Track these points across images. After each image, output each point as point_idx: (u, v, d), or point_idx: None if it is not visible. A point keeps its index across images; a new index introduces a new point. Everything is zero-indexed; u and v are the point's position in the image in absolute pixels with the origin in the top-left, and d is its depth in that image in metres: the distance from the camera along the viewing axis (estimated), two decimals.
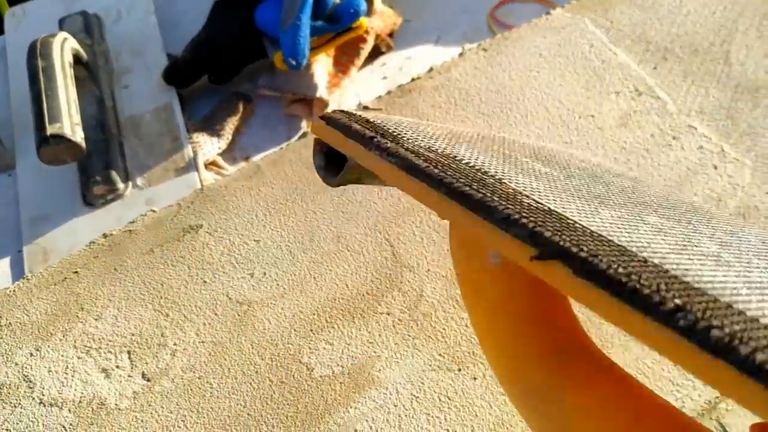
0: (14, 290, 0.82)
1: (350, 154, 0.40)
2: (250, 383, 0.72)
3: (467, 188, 0.28)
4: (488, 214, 0.26)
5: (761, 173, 0.81)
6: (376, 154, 0.36)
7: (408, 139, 0.38)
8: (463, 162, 0.33)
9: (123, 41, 1.15)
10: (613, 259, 0.23)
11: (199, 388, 0.72)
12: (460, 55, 0.97)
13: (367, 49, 1.08)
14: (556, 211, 0.27)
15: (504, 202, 0.27)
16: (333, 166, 0.42)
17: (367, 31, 1.06)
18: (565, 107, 0.88)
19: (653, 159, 0.83)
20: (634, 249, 0.24)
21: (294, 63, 0.97)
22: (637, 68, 0.92)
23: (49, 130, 0.87)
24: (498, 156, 0.39)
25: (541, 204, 0.28)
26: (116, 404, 0.72)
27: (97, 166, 0.98)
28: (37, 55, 0.94)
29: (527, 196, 0.28)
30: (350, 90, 1.06)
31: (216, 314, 0.77)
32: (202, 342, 0.75)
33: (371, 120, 0.41)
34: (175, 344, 0.75)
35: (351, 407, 0.70)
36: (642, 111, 0.87)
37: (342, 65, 1.08)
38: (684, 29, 0.95)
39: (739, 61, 0.91)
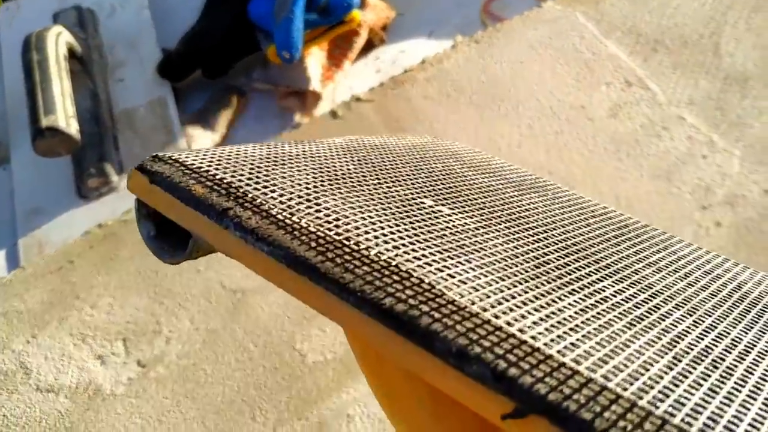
0: (10, 279, 0.83)
1: (196, 231, 0.28)
2: (244, 369, 0.73)
3: (388, 300, 0.21)
4: (427, 342, 0.20)
5: (749, 163, 0.82)
6: (238, 237, 0.25)
7: (276, 196, 0.27)
8: (362, 240, 0.24)
9: (117, 35, 1.15)
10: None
11: (194, 375, 0.73)
12: (453, 47, 0.98)
13: (360, 42, 1.09)
14: (521, 338, 0.21)
15: (440, 317, 0.20)
16: (170, 235, 0.30)
17: (360, 25, 1.07)
18: (556, 98, 0.89)
19: (643, 149, 0.84)
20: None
21: (287, 56, 0.98)
22: (627, 60, 0.93)
23: (44, 122, 0.87)
24: (396, 206, 0.31)
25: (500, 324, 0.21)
26: (112, 390, 0.73)
27: (92, 159, 0.98)
28: (31, 48, 0.95)
29: (463, 306, 0.22)
30: (343, 83, 1.07)
31: (210, 302, 0.78)
32: (197, 329, 0.76)
33: (216, 173, 0.29)
34: (169, 331, 0.76)
35: (343, 392, 0.71)
36: (632, 102, 0.88)
37: (335, 58, 1.09)
38: (674, 21, 0.96)
39: (728, 52, 0.92)
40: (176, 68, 1.07)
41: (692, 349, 0.26)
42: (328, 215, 0.26)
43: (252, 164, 0.31)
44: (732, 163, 0.82)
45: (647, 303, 0.29)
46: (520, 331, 0.22)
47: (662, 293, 0.31)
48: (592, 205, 0.43)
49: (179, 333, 0.76)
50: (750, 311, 0.32)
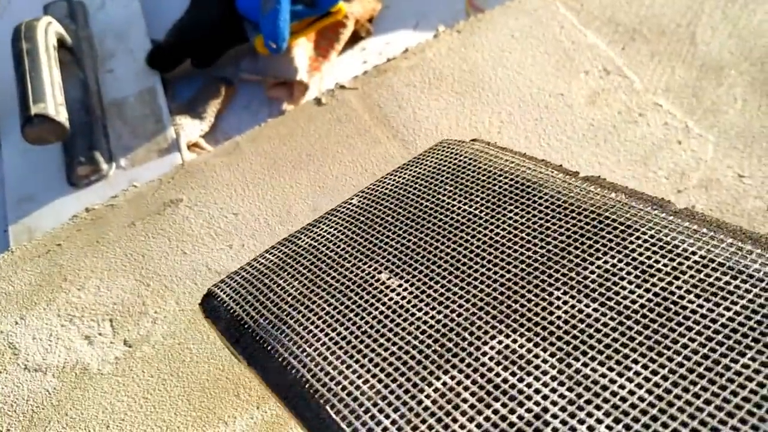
0: None
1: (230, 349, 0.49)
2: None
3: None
4: None
5: (723, 148, 0.84)
6: (243, 359, 0.45)
7: (265, 326, 0.46)
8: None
9: (107, 26, 1.17)
10: None
11: (179, 354, 0.75)
12: (435, 36, 1.00)
13: (346, 34, 1.10)
14: None
15: None
16: None
17: (346, 16, 1.08)
18: (536, 86, 0.91)
19: (620, 135, 0.86)
20: None
21: (274, 47, 1.00)
22: (606, 49, 0.95)
23: (34, 109, 0.89)
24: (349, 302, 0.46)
25: None
26: (99, 369, 0.74)
27: (81, 148, 1.00)
28: (21, 37, 0.97)
29: None
30: (330, 73, 1.09)
31: (196, 284, 0.79)
32: (182, 310, 0.78)
33: (236, 313, 0.49)
34: (155, 312, 0.78)
35: None
36: (610, 89, 0.90)
37: (322, 50, 1.11)
38: (652, 11, 0.98)
39: (704, 41, 0.94)
40: (165, 59, 1.09)
41: None
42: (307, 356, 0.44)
43: (259, 285, 0.50)
44: (707, 149, 0.84)
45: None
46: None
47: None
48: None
49: (165, 314, 0.78)
50: None
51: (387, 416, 0.38)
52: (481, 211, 0.47)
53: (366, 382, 0.40)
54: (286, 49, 1.03)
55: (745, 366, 0.33)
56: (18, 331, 0.78)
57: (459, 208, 0.48)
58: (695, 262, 0.39)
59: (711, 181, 0.81)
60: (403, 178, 0.55)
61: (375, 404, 0.39)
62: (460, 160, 0.54)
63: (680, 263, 0.39)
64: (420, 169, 0.55)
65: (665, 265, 0.39)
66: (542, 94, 0.90)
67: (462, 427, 0.36)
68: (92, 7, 1.20)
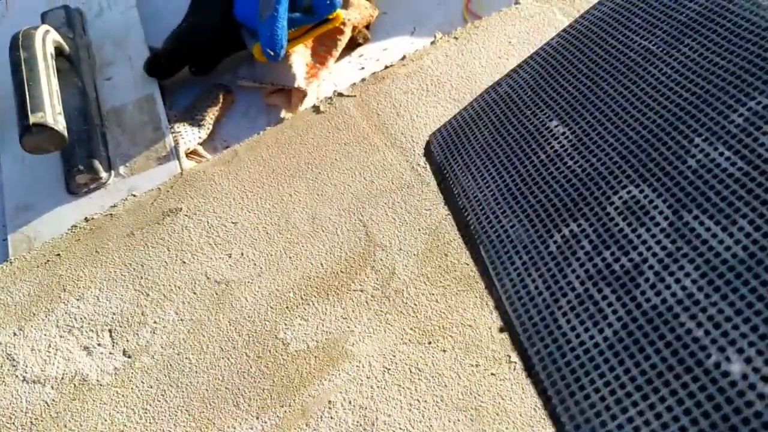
0: None
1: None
2: (228, 358, 0.75)
3: None
4: None
5: None
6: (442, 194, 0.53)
7: (457, 171, 0.53)
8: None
9: (105, 34, 1.17)
10: None
11: (179, 364, 0.75)
12: (432, 43, 1.00)
13: (344, 40, 1.10)
14: None
15: None
16: None
17: (343, 23, 1.08)
18: None
19: None
20: None
21: (272, 54, 1.00)
22: None
23: (32, 119, 0.89)
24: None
25: None
26: (98, 380, 0.74)
27: (80, 156, 1.00)
28: (19, 46, 0.97)
29: None
30: (328, 80, 1.09)
31: (195, 293, 0.79)
32: (181, 320, 0.78)
33: (440, 161, 0.55)
34: (155, 322, 0.78)
35: (325, 380, 0.73)
36: None
37: (320, 56, 1.11)
38: None
39: None
40: (163, 66, 1.09)
41: None
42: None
43: (462, 132, 0.55)
44: None
45: None
46: None
47: None
48: None
49: (164, 324, 0.78)
50: None
51: (520, 258, 0.43)
52: (658, 47, 0.49)
53: (512, 226, 0.45)
54: (284, 57, 1.03)
55: None
56: (16, 342, 0.78)
57: (639, 44, 0.50)
58: None
59: None
60: (600, 11, 0.56)
61: (514, 247, 0.44)
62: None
63: None
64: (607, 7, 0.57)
65: None
66: None
67: (573, 271, 0.40)
68: (90, 14, 1.20)
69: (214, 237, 0.84)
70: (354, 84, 0.98)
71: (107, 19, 1.19)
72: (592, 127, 0.47)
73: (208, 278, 0.80)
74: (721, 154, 0.39)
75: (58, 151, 0.97)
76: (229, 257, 0.82)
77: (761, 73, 0.41)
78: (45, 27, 1.02)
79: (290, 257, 0.81)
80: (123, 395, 0.73)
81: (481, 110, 0.57)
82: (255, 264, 0.81)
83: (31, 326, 0.79)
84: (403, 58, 0.99)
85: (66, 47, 1.06)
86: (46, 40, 1.00)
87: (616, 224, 0.40)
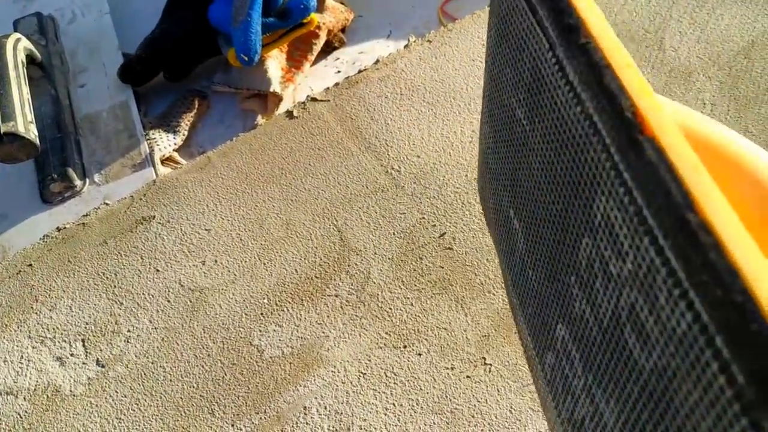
0: None
1: None
2: (203, 366, 0.74)
3: None
4: None
5: None
6: None
7: None
8: None
9: (78, 41, 1.16)
10: None
11: (153, 373, 0.74)
12: (406, 47, 1.00)
13: (319, 44, 1.10)
14: None
15: None
16: None
17: (318, 27, 1.08)
18: None
19: None
20: None
21: (246, 59, 0.99)
22: None
23: (3, 128, 0.88)
24: None
25: None
26: (71, 391, 0.74)
27: (54, 164, 0.99)
28: None
29: None
30: (304, 84, 1.09)
31: (169, 301, 0.79)
32: (156, 328, 0.77)
33: None
34: (128, 331, 0.77)
35: (300, 386, 0.73)
36: None
37: (295, 60, 1.11)
38: (621, 18, 0.99)
39: (672, 47, 0.95)
40: (138, 72, 1.08)
41: None
42: None
43: None
44: None
45: None
46: None
47: None
48: None
49: (138, 332, 0.77)
50: None
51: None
52: (527, 121, 0.42)
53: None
54: (259, 61, 1.03)
55: None
56: None
57: (517, 115, 0.42)
58: None
59: None
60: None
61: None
62: None
63: None
64: (488, 48, 0.50)
65: None
66: None
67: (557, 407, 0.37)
68: (63, 21, 1.19)
69: (188, 244, 0.84)
70: (327, 89, 0.98)
71: (80, 26, 1.19)
72: (529, 231, 0.40)
73: (182, 286, 0.80)
74: (584, 307, 0.34)
75: (30, 160, 0.97)
76: (203, 264, 0.82)
77: (581, 198, 0.33)
78: (16, 35, 1.01)
79: (264, 263, 0.81)
80: (97, 405, 0.72)
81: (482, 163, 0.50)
82: (229, 271, 0.81)
83: (3, 337, 0.78)
84: (377, 62, 0.99)
85: (38, 55, 1.06)
86: (18, 48, 0.99)
87: (563, 368, 0.36)
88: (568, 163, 0.32)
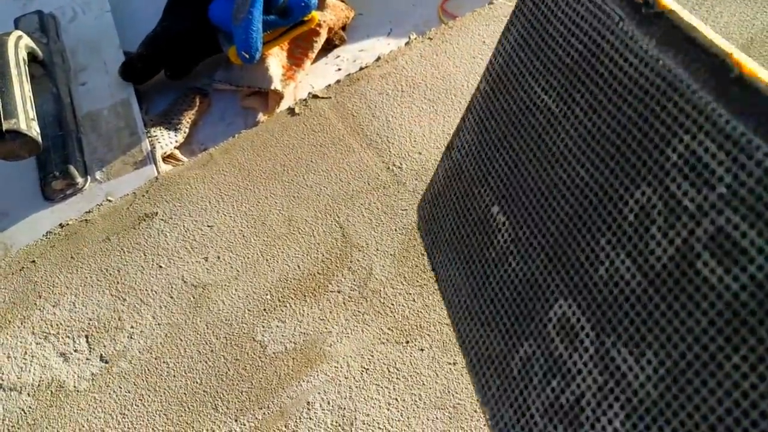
0: None
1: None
2: (206, 362, 0.75)
3: None
4: None
5: None
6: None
7: (440, 258, 0.48)
8: None
9: (79, 39, 1.16)
10: None
11: (156, 368, 0.74)
12: (407, 44, 1.00)
13: (320, 42, 1.10)
14: None
15: None
16: None
17: (319, 25, 1.08)
18: None
19: None
20: None
21: (247, 56, 1.00)
22: None
23: (5, 125, 0.88)
24: None
25: None
26: (75, 386, 0.74)
27: (56, 162, 0.99)
28: None
29: None
30: (305, 82, 1.09)
31: (172, 297, 0.79)
32: (159, 324, 0.77)
33: (421, 229, 0.51)
34: (132, 327, 0.77)
35: (303, 381, 0.73)
36: None
37: (296, 58, 1.11)
38: None
39: None
40: (139, 70, 1.09)
41: None
42: None
43: (439, 191, 0.51)
44: None
45: None
46: None
47: None
48: None
49: (142, 328, 0.78)
50: None
51: (494, 382, 0.41)
52: (556, 104, 0.44)
53: (482, 338, 0.43)
54: (260, 59, 1.03)
55: None
56: None
57: (540, 99, 0.44)
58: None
59: None
60: (509, 46, 0.51)
61: (488, 366, 0.42)
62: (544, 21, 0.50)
63: (707, 197, 0.33)
64: (508, 43, 0.51)
65: (692, 200, 0.33)
66: None
67: (533, 402, 0.38)
68: (64, 19, 1.19)
69: (191, 241, 0.84)
70: (329, 86, 0.98)
71: (81, 24, 1.19)
72: (523, 218, 0.43)
73: (184, 282, 0.80)
74: (623, 262, 0.36)
75: (32, 158, 0.97)
76: (206, 261, 0.82)
77: (641, 151, 0.36)
78: (17, 33, 1.02)
79: (267, 259, 0.81)
80: (100, 401, 0.73)
81: (446, 181, 0.53)
82: (232, 267, 0.81)
83: (7, 334, 0.78)
84: (378, 59, 1.00)
85: (39, 53, 1.06)
86: (19, 46, 0.99)
87: (556, 347, 0.38)
88: (627, 124, 0.36)
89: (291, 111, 0.96)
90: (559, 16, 0.42)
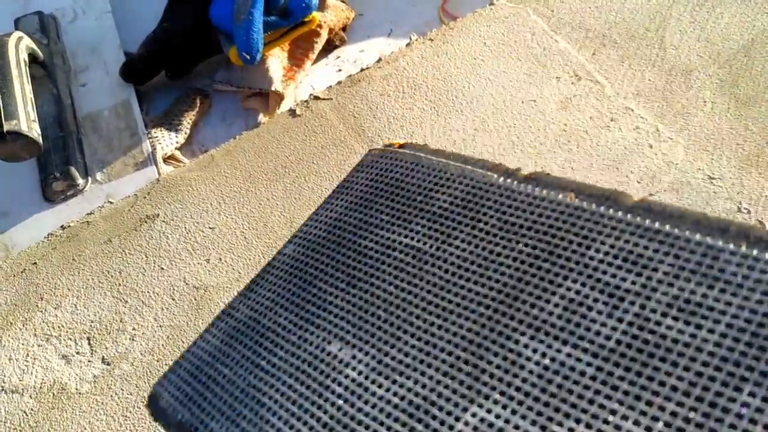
0: None
1: None
2: None
3: None
4: None
5: (693, 151, 0.85)
6: None
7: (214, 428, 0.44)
8: None
9: (80, 40, 1.16)
10: None
11: (158, 371, 0.74)
12: (408, 45, 1.01)
13: (320, 42, 1.11)
14: None
15: None
16: None
17: (320, 25, 1.09)
18: (509, 93, 0.92)
19: (592, 140, 0.87)
20: None
21: (248, 57, 1.00)
22: (576, 54, 0.96)
23: (6, 126, 0.88)
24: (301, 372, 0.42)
25: None
26: (77, 389, 0.74)
27: (56, 163, 0.99)
28: None
29: None
30: (305, 83, 1.09)
31: (173, 299, 0.79)
32: (161, 326, 0.78)
33: (183, 418, 0.47)
34: (133, 329, 0.78)
35: None
36: (581, 95, 0.91)
37: (297, 59, 1.11)
38: (621, 16, 0.99)
39: (673, 45, 0.95)
40: (139, 71, 1.09)
41: None
42: None
43: (204, 378, 0.47)
44: (677, 152, 0.85)
45: None
46: None
47: None
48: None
49: (144, 330, 0.78)
50: None
51: None
52: (425, 243, 0.44)
53: None
54: (261, 60, 1.03)
55: (746, 405, 0.29)
56: None
57: (401, 243, 0.45)
58: (665, 273, 0.36)
59: (682, 183, 0.82)
60: (337, 210, 0.52)
61: None
62: (393, 177, 0.51)
63: (649, 278, 0.36)
64: (353, 194, 0.52)
65: (633, 283, 0.36)
66: (515, 101, 0.91)
67: None
68: (64, 20, 1.19)
69: (192, 243, 0.84)
70: (330, 87, 0.98)
71: (82, 25, 1.19)
72: (388, 344, 0.40)
73: (186, 284, 0.80)
74: (558, 351, 0.35)
75: (33, 159, 0.97)
76: (208, 262, 0.82)
77: (559, 250, 0.41)
78: (18, 34, 1.01)
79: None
80: (102, 403, 0.73)
81: (223, 344, 0.48)
82: (233, 269, 0.81)
83: (9, 335, 0.79)
84: (379, 60, 1.00)
85: (40, 53, 1.06)
86: (20, 47, 0.99)
87: None
88: (536, 245, 0.41)
89: (292, 112, 0.96)
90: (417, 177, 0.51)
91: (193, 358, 0.49)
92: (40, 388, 0.74)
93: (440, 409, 0.36)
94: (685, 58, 0.94)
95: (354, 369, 0.40)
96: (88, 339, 0.77)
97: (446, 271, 0.42)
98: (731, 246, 0.35)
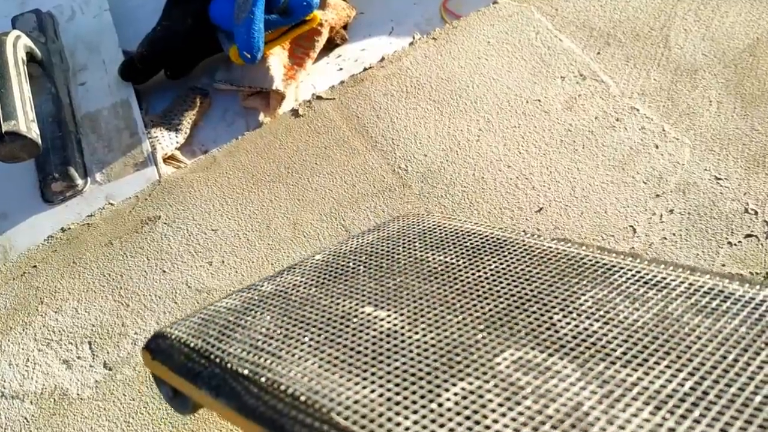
0: None
1: (183, 391, 0.41)
2: None
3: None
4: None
5: (699, 151, 0.85)
6: (207, 393, 0.39)
7: (236, 353, 0.40)
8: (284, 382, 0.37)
9: (78, 39, 1.15)
10: None
11: None
12: (411, 44, 1.00)
13: (321, 41, 1.09)
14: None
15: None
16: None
17: (321, 24, 1.07)
18: (513, 92, 0.91)
19: (597, 140, 0.86)
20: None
21: (249, 56, 0.99)
22: (581, 54, 0.95)
23: (4, 127, 0.87)
24: (334, 327, 0.40)
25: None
26: (78, 394, 0.73)
27: (55, 163, 0.98)
28: None
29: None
30: (307, 82, 1.08)
31: (176, 303, 0.78)
32: None
33: (190, 342, 0.42)
34: (135, 333, 0.77)
35: None
36: (586, 94, 0.91)
37: (297, 58, 1.10)
38: (626, 15, 0.98)
39: (678, 44, 0.94)
40: (138, 70, 1.07)
41: None
42: (267, 366, 0.38)
43: (223, 322, 0.44)
44: (683, 152, 0.84)
45: None
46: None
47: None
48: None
49: (146, 334, 0.77)
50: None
51: (406, 418, 0.34)
52: (457, 260, 0.46)
53: (373, 392, 0.36)
54: (261, 59, 1.02)
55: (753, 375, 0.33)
56: None
57: (433, 258, 0.46)
58: (682, 291, 0.40)
59: (688, 184, 0.82)
60: (367, 239, 0.52)
61: (390, 409, 0.34)
62: (424, 227, 0.53)
63: (668, 293, 0.40)
64: (382, 233, 0.53)
65: (654, 295, 0.40)
66: (519, 101, 0.91)
67: (494, 421, 0.33)
68: (62, 19, 1.18)
69: (194, 245, 0.83)
70: (333, 86, 0.97)
71: (80, 24, 1.17)
72: (423, 310, 0.41)
73: (188, 287, 0.79)
74: (591, 325, 0.39)
75: (31, 159, 0.96)
76: (210, 265, 0.81)
77: (586, 272, 0.45)
78: (16, 32, 1.00)
79: (272, 263, 0.80)
80: (104, 408, 0.72)
81: (246, 304, 0.47)
82: (236, 271, 0.80)
83: (8, 340, 0.77)
84: (382, 59, 0.99)
85: (38, 52, 1.04)
86: (17, 46, 0.98)
87: (518, 379, 0.35)
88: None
89: (294, 112, 0.95)
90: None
91: (210, 310, 0.49)
92: (41, 393, 0.73)
93: (477, 349, 0.38)
94: (690, 58, 0.93)
95: (389, 322, 0.41)
96: (90, 343, 0.76)
97: (478, 278, 0.48)
98: (737, 283, 0.41)
